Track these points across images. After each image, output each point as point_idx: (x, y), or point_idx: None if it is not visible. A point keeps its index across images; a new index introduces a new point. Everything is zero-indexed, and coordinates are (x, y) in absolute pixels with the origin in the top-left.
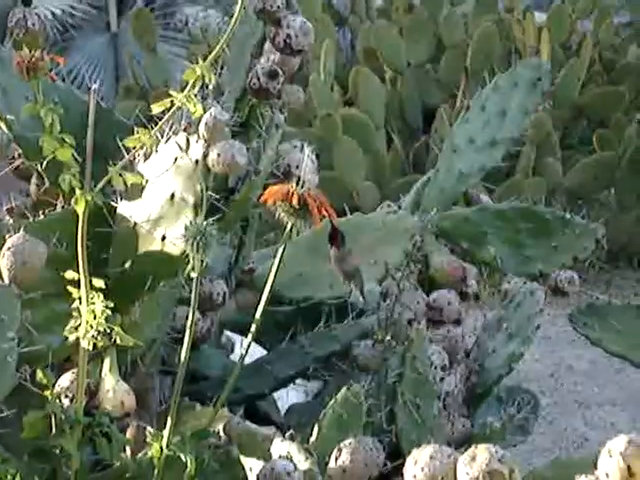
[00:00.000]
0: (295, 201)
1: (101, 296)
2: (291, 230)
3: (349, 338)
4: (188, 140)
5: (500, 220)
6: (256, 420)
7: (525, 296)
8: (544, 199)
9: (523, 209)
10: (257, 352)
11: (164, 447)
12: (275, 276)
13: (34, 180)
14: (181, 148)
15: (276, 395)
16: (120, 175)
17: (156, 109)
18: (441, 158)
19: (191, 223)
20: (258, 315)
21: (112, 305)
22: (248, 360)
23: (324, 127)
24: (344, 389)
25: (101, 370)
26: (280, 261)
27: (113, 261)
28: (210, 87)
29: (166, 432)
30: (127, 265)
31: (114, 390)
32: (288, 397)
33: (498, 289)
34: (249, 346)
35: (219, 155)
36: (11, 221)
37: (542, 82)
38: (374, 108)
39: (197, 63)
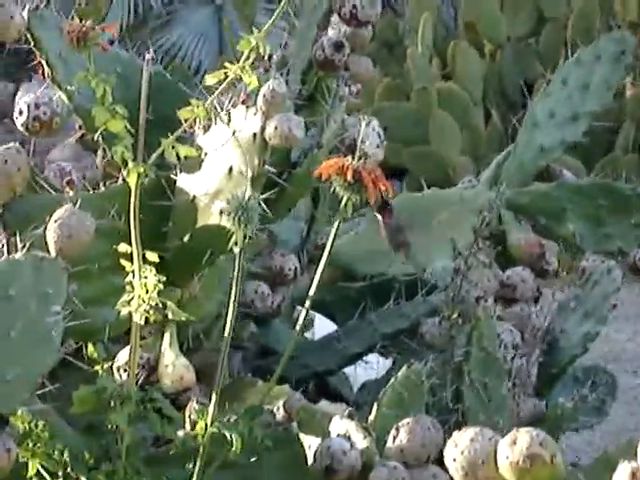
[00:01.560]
0: (349, 175)
1: (153, 270)
2: (346, 205)
3: (418, 315)
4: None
5: (579, 196)
6: (327, 397)
7: (602, 274)
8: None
9: (603, 185)
10: (329, 327)
11: (209, 424)
12: (330, 253)
13: (100, 152)
14: (224, 122)
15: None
16: (173, 147)
17: (210, 80)
18: (521, 132)
19: (233, 197)
20: (312, 291)
21: (170, 278)
22: (320, 335)
23: (420, 101)
24: (405, 367)
25: (161, 345)
26: (334, 238)
27: (172, 234)
28: (274, 58)
29: (210, 409)
30: (186, 239)
31: (173, 365)
32: (356, 374)
33: (577, 267)
34: (304, 321)
35: (276, 128)
36: (71, 193)
37: (626, 56)
38: (472, 82)
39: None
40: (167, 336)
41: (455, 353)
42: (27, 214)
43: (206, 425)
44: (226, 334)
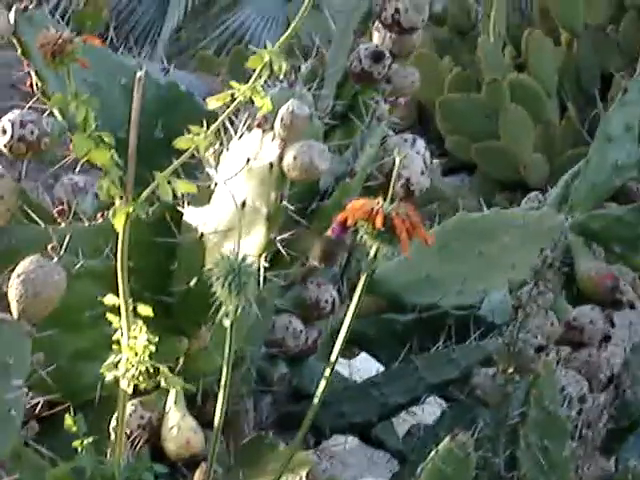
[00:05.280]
0: (379, 223)
1: (144, 328)
2: (375, 256)
3: (469, 363)
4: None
5: None
6: (369, 444)
7: None
8: None
9: None
10: (373, 367)
11: None
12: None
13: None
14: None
15: None
16: (169, 182)
17: (212, 104)
18: (593, 147)
19: (223, 257)
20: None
21: (176, 327)
22: (362, 377)
23: (490, 93)
24: (447, 439)
25: (166, 402)
26: (361, 296)
27: (178, 277)
28: (303, 69)
29: None
30: (192, 283)
31: (179, 427)
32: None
33: None
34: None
35: (295, 158)
36: (62, 225)
37: None
38: (546, 73)
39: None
40: (172, 392)
41: (510, 414)
42: (11, 250)
43: None
44: (216, 420)
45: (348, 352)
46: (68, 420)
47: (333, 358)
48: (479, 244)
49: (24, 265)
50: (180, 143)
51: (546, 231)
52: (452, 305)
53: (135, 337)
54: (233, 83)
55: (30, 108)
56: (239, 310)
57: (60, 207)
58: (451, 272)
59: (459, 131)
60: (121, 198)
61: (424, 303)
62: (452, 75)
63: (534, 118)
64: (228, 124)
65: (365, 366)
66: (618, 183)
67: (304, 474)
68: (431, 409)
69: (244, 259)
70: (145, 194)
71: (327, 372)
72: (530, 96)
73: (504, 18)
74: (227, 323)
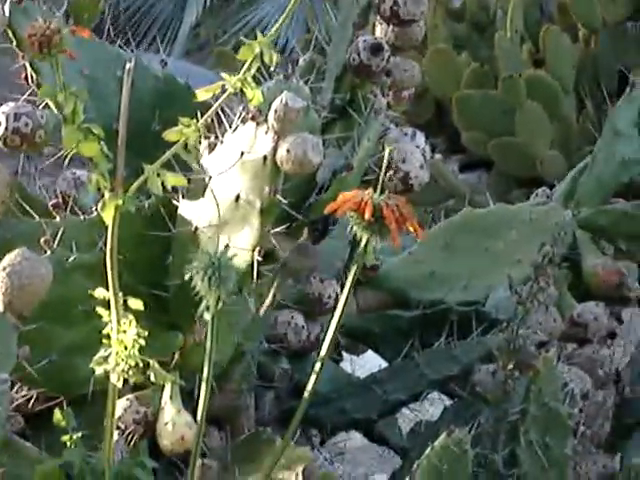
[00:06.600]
0: (368, 213)
1: (134, 322)
2: (365, 248)
3: (470, 359)
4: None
5: None
6: (373, 441)
7: None
8: None
9: None
10: (376, 363)
11: None
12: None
13: None
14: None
15: None
16: (158, 175)
17: (202, 96)
18: (600, 142)
19: (203, 252)
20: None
21: (172, 321)
22: (365, 373)
23: (507, 89)
24: (444, 435)
25: (161, 397)
26: (350, 290)
27: (173, 270)
28: (301, 62)
29: None
30: (187, 277)
31: (173, 422)
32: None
33: None
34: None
35: (288, 151)
36: (57, 219)
37: None
38: (564, 70)
39: None
40: (168, 387)
41: (510, 410)
42: (6, 243)
43: None
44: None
45: (353, 348)
46: (57, 414)
47: (323, 353)
48: (485, 239)
49: (10, 257)
50: (170, 135)
51: (552, 226)
52: (457, 301)
53: (124, 331)
54: (224, 75)
55: (26, 100)
56: (219, 304)
57: (55, 200)
58: (457, 268)
59: (476, 127)
60: (111, 191)
61: (429, 299)
62: (469, 71)
63: (551, 114)
64: (223, 117)
65: (372, 364)
66: (625, 179)
67: (300, 470)
68: (440, 407)
69: (224, 253)
70: (134, 187)
71: (317, 367)
72: (547, 92)
73: (521, 14)
74: (207, 316)
